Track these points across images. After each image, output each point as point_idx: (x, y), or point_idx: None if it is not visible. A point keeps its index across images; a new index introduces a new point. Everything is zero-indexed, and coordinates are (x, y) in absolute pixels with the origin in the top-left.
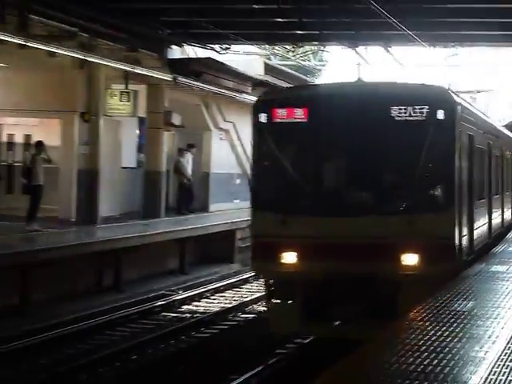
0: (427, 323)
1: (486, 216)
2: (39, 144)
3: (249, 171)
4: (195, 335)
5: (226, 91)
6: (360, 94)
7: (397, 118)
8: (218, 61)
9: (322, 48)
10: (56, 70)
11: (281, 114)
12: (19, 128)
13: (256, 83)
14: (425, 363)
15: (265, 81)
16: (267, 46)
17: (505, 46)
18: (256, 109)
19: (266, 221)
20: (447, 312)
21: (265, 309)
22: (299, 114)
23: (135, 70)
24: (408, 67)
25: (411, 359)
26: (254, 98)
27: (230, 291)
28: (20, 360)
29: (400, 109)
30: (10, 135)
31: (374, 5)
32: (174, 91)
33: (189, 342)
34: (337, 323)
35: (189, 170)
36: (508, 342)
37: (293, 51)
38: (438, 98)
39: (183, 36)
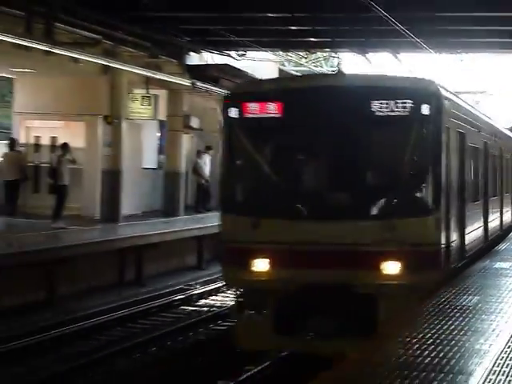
0: (434, 317)
1: (482, 219)
2: (64, 146)
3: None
4: (212, 328)
5: None
6: (339, 87)
7: (378, 113)
8: (234, 67)
9: (333, 54)
10: (80, 75)
11: (253, 109)
12: (45, 130)
13: None
14: (432, 355)
15: None
16: (281, 52)
17: (505, 52)
18: (226, 103)
19: (236, 224)
20: (453, 307)
21: (233, 321)
22: (273, 109)
23: (156, 76)
24: (416, 72)
25: (418, 351)
26: None
27: None
28: (46, 351)
29: (381, 103)
30: (37, 137)
31: (384, 13)
32: (193, 96)
33: (207, 334)
34: (311, 337)
35: (206, 171)
36: (511, 336)
37: (306, 57)
38: (422, 91)
39: (202, 43)
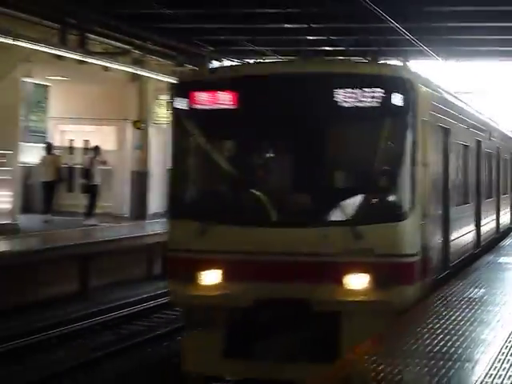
0: (442, 309)
1: (472, 223)
2: (96, 148)
3: None
4: None
5: None
6: (299, 74)
7: (343, 105)
8: None
9: None
10: (111, 82)
11: (202, 100)
12: (78, 134)
13: None
14: (441, 344)
15: None
16: None
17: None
18: (173, 93)
19: (184, 231)
20: (460, 299)
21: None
22: (224, 100)
23: None
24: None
25: (428, 341)
26: None
27: None
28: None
29: (347, 93)
30: (71, 141)
31: (395, 24)
32: None
33: None
34: (265, 361)
35: None
36: None
37: None
38: (394, 78)
39: (224, 52)
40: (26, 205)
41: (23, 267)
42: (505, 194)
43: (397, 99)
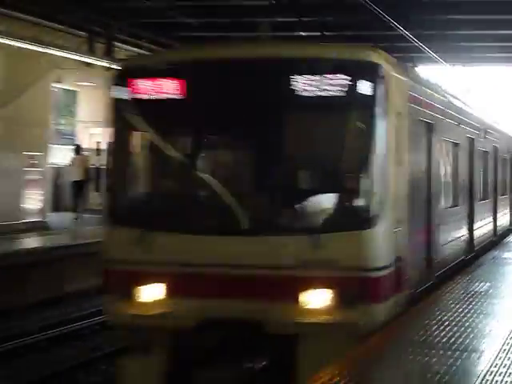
0: (450, 301)
1: (464, 227)
2: None
3: None
4: None
5: None
6: (252, 60)
7: (302, 94)
8: None
9: None
10: None
11: (144, 89)
12: (105, 137)
13: None
14: (448, 335)
15: None
16: None
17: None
18: (112, 82)
19: (120, 239)
20: (466, 292)
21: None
22: (168, 89)
23: None
24: None
25: (436, 332)
26: None
27: None
28: None
29: (306, 80)
30: (98, 143)
31: (405, 32)
32: None
33: None
34: None
35: None
36: None
37: None
38: (362, 64)
39: None
40: (56, 203)
41: (52, 261)
42: (503, 195)
43: (364, 87)
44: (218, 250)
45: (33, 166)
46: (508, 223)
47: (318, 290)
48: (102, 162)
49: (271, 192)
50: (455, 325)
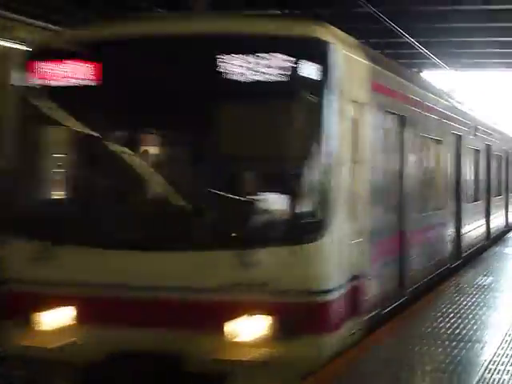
0: (455, 294)
1: (449, 232)
2: None
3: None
4: None
5: None
6: (179, 36)
7: (233, 78)
8: None
9: None
10: None
11: (49, 73)
12: None
13: None
14: (453, 326)
15: None
16: None
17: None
18: (14, 66)
19: (18, 255)
20: (471, 285)
21: None
22: (75, 73)
23: None
24: None
25: (442, 323)
26: None
27: None
28: None
29: (238, 60)
30: None
31: (411, 39)
32: None
33: None
34: None
35: None
36: None
37: None
38: (308, 42)
39: None
40: None
41: None
42: (498, 196)
43: (308, 70)
44: (127, 269)
45: None
46: (503, 225)
47: (248, 319)
48: None
49: (191, 197)
50: (460, 316)
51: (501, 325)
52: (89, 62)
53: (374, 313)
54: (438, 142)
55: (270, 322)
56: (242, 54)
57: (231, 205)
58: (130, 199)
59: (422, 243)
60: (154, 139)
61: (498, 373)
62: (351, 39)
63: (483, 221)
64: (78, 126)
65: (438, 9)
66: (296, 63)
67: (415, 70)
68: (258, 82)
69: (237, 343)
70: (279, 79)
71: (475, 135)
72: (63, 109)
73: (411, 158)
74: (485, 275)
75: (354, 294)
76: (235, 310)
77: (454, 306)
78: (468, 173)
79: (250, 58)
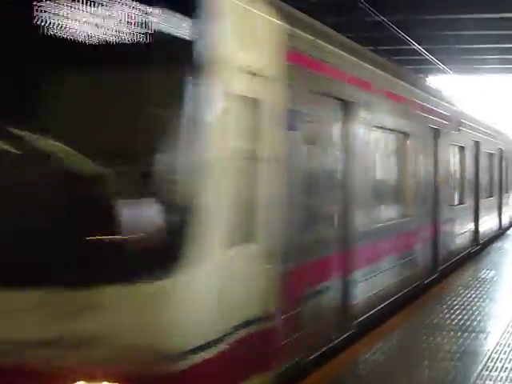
0: (459, 287)
1: (420, 244)
2: None
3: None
4: None
5: None
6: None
7: (79, 44)
8: None
9: None
10: None
11: None
12: None
13: None
14: (458, 318)
15: None
16: None
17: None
18: None
19: None
20: (474, 279)
21: None
22: None
23: None
24: None
25: (447, 315)
26: None
27: None
28: None
29: (82, 17)
30: None
31: (417, 46)
32: None
33: None
34: None
35: None
36: None
37: None
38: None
39: None
40: None
41: None
42: (489, 197)
43: (171, 23)
44: None
45: None
46: (496, 227)
47: None
48: None
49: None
50: (464, 308)
51: (503, 316)
52: None
53: (295, 360)
54: (405, 135)
55: None
56: (94, 5)
57: (52, 222)
58: None
59: (378, 261)
60: None
61: (500, 361)
62: None
63: (471, 225)
64: None
65: (447, 17)
66: (151, 14)
67: (420, 75)
68: (123, 47)
69: None
70: (126, 36)
71: (459, 130)
72: None
73: (358, 154)
74: (488, 269)
75: (251, 345)
76: (48, 379)
77: (459, 298)
78: (448, 172)
79: (94, 8)
